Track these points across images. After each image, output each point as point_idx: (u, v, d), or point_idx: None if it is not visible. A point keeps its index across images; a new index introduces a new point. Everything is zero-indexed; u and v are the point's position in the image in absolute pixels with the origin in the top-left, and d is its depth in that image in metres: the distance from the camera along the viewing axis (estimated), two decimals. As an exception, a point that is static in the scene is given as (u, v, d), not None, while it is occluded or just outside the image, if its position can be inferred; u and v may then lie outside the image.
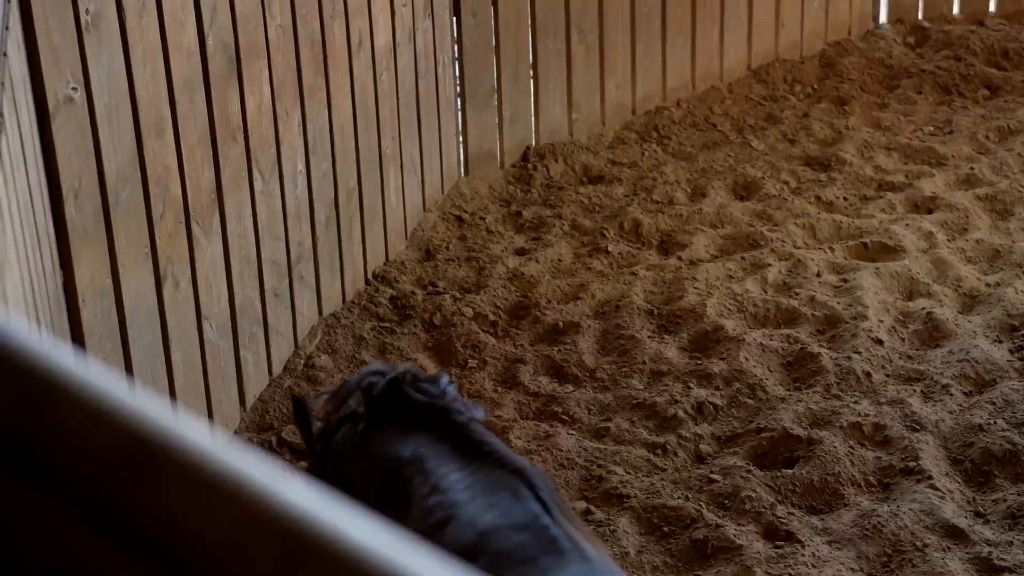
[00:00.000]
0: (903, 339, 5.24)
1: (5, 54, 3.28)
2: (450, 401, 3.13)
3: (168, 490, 0.79)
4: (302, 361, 5.16)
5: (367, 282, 5.67)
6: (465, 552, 2.74)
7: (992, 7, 8.13)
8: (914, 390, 4.95)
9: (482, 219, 6.22)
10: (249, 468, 0.80)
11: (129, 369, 4.10)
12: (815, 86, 7.53)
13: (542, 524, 2.79)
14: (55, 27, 3.68)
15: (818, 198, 6.32)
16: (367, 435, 3.16)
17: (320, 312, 5.35)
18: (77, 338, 3.85)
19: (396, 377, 3.15)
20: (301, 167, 5.08)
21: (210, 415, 4.58)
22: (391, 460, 3.08)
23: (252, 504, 0.79)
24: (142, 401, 0.80)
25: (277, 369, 5.07)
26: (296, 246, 5.10)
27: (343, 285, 5.48)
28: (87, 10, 3.81)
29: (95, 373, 0.79)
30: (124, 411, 0.79)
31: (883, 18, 8.08)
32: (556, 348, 5.29)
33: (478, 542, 2.82)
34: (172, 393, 4.34)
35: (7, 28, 3.32)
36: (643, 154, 6.85)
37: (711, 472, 4.61)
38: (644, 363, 5.17)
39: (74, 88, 3.79)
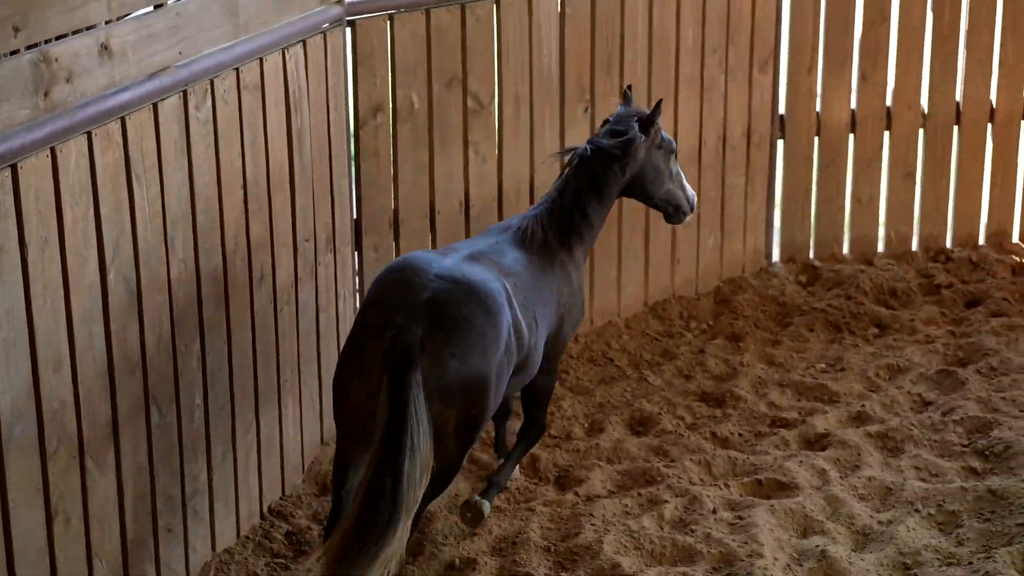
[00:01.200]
0: (798, 577, 5.25)
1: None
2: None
3: None
4: (194, 598, 5.07)
5: (262, 516, 5.60)
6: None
7: (880, 247, 8.39)
8: (809, 630, 4.96)
9: (380, 452, 6.19)
10: None
11: (15, 609, 4.01)
12: (710, 322, 7.69)
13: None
14: (-45, 262, 3.69)
15: (713, 434, 6.39)
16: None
17: (213, 547, 5.27)
18: (-38, 577, 3.77)
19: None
20: (199, 400, 5.07)
21: (97, 657, 4.47)
22: None
23: None
24: None
25: (168, 607, 4.97)
26: (191, 480, 5.05)
27: (238, 520, 5.41)
28: (-12, 245, 3.83)
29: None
30: None
31: (776, 256, 8.31)
32: (452, 585, 5.24)
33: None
34: (58, 634, 4.23)
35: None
36: (541, 388, 6.89)
37: None
38: (541, 601, 5.13)
39: (-28, 323, 3.78)
